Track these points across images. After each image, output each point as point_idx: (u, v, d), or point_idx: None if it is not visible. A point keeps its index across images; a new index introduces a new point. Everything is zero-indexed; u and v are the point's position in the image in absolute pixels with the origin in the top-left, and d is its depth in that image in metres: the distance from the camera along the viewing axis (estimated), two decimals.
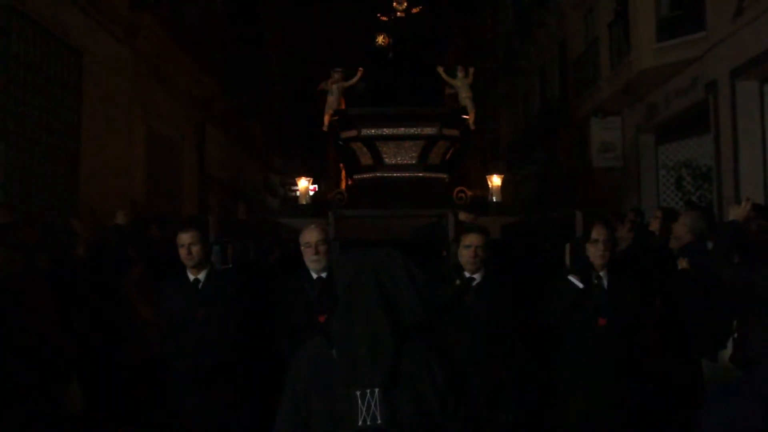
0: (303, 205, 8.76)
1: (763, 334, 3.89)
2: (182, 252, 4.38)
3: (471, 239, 4.18)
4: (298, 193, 9.25)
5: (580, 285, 4.12)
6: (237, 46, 16.97)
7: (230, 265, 5.82)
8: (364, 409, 2.17)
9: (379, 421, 2.16)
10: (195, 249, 4.36)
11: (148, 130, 11.59)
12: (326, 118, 8.89)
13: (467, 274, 4.20)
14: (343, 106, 9.42)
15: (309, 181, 8.97)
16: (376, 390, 2.17)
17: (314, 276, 4.33)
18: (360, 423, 2.16)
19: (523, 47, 21.39)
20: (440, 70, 9.01)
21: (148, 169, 11.61)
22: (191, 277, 4.44)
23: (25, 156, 7.53)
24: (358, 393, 2.18)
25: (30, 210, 7.11)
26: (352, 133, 8.71)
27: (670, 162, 12.99)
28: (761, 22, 8.89)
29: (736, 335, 4.18)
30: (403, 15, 9.60)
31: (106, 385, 4.94)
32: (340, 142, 9.06)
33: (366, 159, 8.78)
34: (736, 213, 4.59)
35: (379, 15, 9.85)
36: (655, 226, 6.53)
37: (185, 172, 13.88)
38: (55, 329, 4.58)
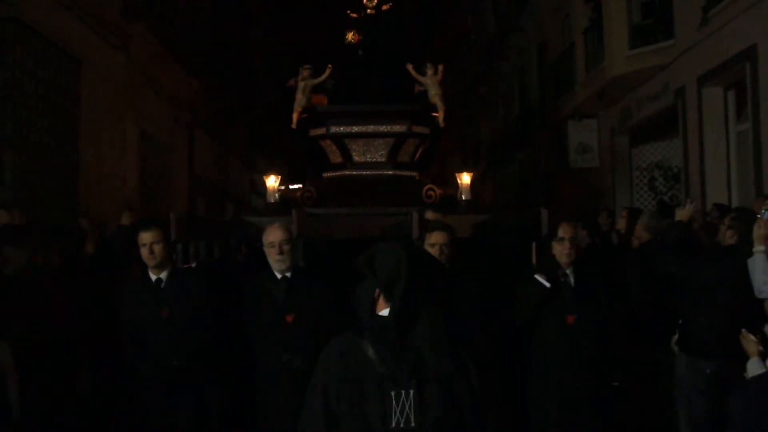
0: (271, 203, 8.50)
1: (705, 322, 4.40)
2: (144, 251, 4.31)
3: (436, 237, 4.13)
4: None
5: (547, 284, 4.13)
6: (223, 50, 17.33)
7: (193, 264, 5.73)
8: (398, 410, 2.13)
9: (412, 424, 2.13)
10: (157, 248, 4.29)
11: (140, 133, 11.97)
12: (294, 116, 8.75)
13: None
14: (324, 102, 9.33)
15: (277, 178, 8.64)
16: (411, 391, 2.14)
17: (278, 276, 4.25)
18: (393, 425, 2.12)
19: (502, 50, 21.88)
20: (409, 67, 8.88)
21: (140, 171, 11.98)
22: (153, 276, 4.35)
23: (29, 160, 7.90)
24: (392, 393, 2.14)
25: (34, 211, 7.47)
26: (321, 130, 8.57)
27: (643, 163, 13.55)
28: (724, 33, 9.41)
29: (680, 322, 4.67)
30: (373, 12, 9.44)
31: (113, 373, 5.36)
32: (309, 140, 8.89)
33: (335, 157, 8.65)
34: (681, 214, 5.13)
35: (348, 12, 9.72)
36: (621, 225, 7.07)
37: (175, 174, 14.25)
38: (69, 320, 5.00)
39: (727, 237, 4.96)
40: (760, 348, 3.47)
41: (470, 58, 26.22)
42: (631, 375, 4.88)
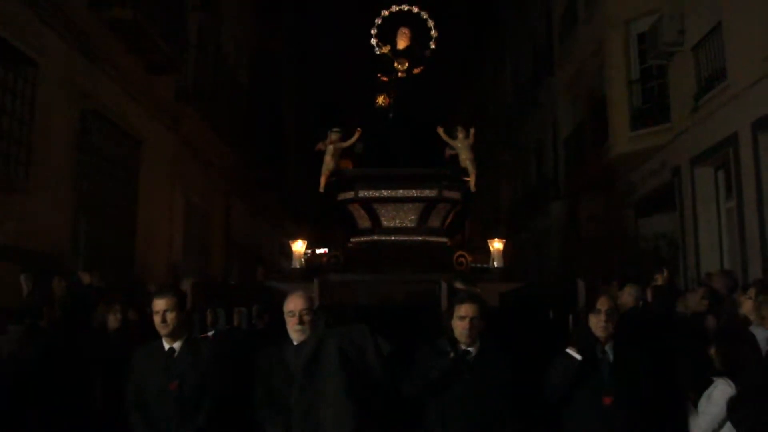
0: (296, 268, 8.21)
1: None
2: (156, 319, 4.12)
3: (466, 309, 3.96)
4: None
5: (578, 357, 3.89)
6: (258, 124, 18.77)
7: (210, 333, 5.65)
8: None
9: None
10: (170, 316, 4.08)
11: (185, 202, 13.23)
12: (323, 180, 8.54)
13: (463, 347, 3.97)
14: (350, 166, 9.15)
15: (304, 243, 8.39)
16: None
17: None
18: None
19: (520, 122, 23.13)
20: (440, 130, 8.60)
21: (184, 236, 13.19)
22: (166, 345, 4.16)
23: (98, 228, 9.12)
24: None
25: (101, 272, 8.61)
26: (349, 194, 8.36)
27: (648, 233, 14.49)
28: (712, 119, 10.50)
29: None
30: (404, 75, 9.27)
31: None
32: (337, 204, 8.66)
33: (363, 221, 8.38)
34: (660, 280, 6.16)
35: (379, 75, 9.51)
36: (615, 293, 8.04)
37: (214, 239, 15.45)
38: None
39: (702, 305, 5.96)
40: None
41: (490, 127, 27.52)
42: None
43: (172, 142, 12.30)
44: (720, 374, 3.98)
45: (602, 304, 4.01)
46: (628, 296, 6.74)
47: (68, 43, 8.34)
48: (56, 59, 8.10)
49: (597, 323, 3.98)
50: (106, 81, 9.16)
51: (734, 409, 3.66)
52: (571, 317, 5.00)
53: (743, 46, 9.59)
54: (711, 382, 4.00)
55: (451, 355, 3.92)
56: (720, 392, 3.87)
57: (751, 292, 4.80)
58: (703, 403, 3.97)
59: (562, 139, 18.12)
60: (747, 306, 4.78)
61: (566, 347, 3.98)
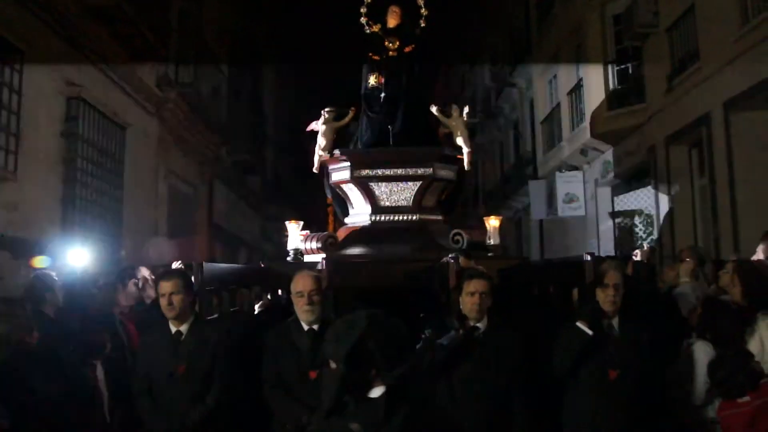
0: (293, 250, 8.10)
1: None
2: (163, 302, 4.10)
3: (475, 285, 4.00)
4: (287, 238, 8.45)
5: (589, 332, 3.91)
6: (239, 109, 18.81)
7: (216, 315, 5.57)
8: None
9: None
10: (176, 299, 4.05)
11: (169, 188, 13.29)
12: (317, 160, 8.50)
13: (471, 323, 4.01)
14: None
15: (299, 225, 8.32)
16: None
17: (305, 327, 4.01)
18: None
19: (498, 103, 23.35)
20: (434, 108, 8.58)
21: (168, 220, 13.27)
22: (173, 329, 4.13)
23: (85, 215, 9.20)
24: None
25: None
26: (344, 174, 8.32)
27: (624, 210, 14.84)
28: (686, 100, 10.81)
29: None
30: (395, 54, 9.15)
31: None
32: (332, 185, 8.61)
33: (358, 201, 8.36)
34: (640, 255, 6.44)
35: (370, 54, 9.36)
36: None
37: (197, 224, 15.53)
38: None
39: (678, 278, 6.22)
40: None
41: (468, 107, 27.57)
42: None
43: (156, 128, 12.35)
44: (695, 338, 4.23)
45: (610, 278, 4.05)
46: None
47: (53, 30, 8.38)
48: (41, 47, 8.14)
49: (605, 297, 4.03)
50: (90, 68, 9.21)
51: (713, 371, 3.88)
52: (575, 291, 4.94)
53: (715, 29, 9.87)
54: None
55: (460, 331, 3.96)
56: (702, 353, 4.06)
57: (729, 267, 5.06)
58: (690, 364, 4.14)
59: (540, 119, 18.38)
60: (725, 280, 5.05)
61: (575, 321, 4.02)
